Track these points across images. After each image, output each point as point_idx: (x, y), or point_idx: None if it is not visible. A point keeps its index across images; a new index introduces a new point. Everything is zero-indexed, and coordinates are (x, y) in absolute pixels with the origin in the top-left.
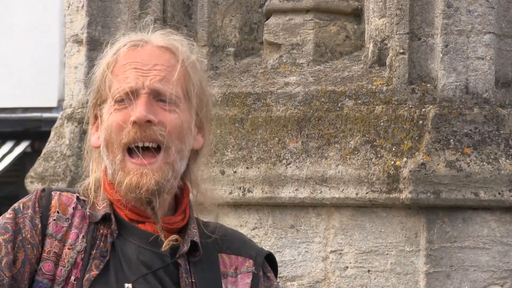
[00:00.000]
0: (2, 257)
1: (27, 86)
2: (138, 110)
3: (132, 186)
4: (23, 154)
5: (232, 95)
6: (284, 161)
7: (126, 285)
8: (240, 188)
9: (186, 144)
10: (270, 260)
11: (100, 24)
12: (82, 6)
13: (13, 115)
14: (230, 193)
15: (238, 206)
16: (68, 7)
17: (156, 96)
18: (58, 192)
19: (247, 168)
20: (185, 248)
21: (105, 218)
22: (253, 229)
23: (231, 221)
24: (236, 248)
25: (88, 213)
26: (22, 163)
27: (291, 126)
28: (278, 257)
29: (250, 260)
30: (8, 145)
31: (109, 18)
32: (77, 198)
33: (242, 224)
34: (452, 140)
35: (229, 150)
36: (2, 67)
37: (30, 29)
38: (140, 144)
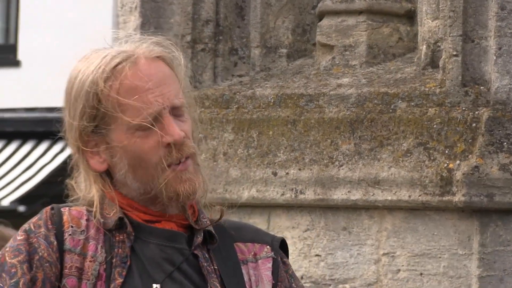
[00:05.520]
0: (19, 278)
1: None
2: (173, 132)
3: (185, 194)
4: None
5: (284, 97)
6: (337, 163)
7: (155, 285)
8: (292, 189)
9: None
10: (283, 246)
11: (153, 25)
12: (136, 7)
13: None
14: (282, 194)
15: (290, 207)
16: (122, 7)
17: (173, 111)
18: (67, 208)
19: (300, 169)
20: (199, 238)
21: (119, 224)
22: (305, 230)
23: (283, 223)
24: (250, 236)
25: (101, 221)
26: None
27: (343, 128)
28: (330, 259)
29: (268, 246)
30: (59, 145)
31: (162, 19)
32: (87, 210)
33: (294, 226)
34: (505, 143)
35: (281, 152)
36: (54, 66)
37: (82, 29)
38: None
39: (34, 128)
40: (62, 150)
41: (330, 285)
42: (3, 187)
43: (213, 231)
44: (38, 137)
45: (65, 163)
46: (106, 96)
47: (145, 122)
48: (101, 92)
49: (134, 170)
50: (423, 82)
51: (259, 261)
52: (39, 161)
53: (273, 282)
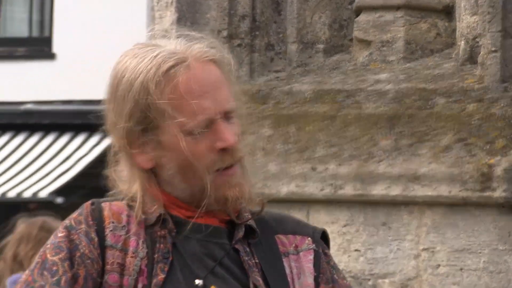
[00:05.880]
0: (60, 276)
1: None
2: (227, 137)
3: (234, 199)
4: (111, 146)
5: (322, 92)
6: (376, 158)
7: (197, 281)
8: (331, 184)
9: None
10: (324, 237)
11: (189, 20)
12: (172, 2)
13: (101, 107)
14: (322, 189)
15: (329, 202)
16: (158, 2)
17: (225, 116)
18: (107, 203)
19: (339, 164)
20: (241, 233)
21: (160, 220)
22: (344, 226)
23: (322, 218)
24: (291, 228)
25: (142, 217)
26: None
27: (382, 124)
28: (370, 254)
29: (309, 238)
30: (96, 137)
31: (199, 14)
32: (127, 205)
33: (334, 221)
34: None
35: (319, 147)
36: (89, 59)
37: (117, 21)
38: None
39: (71, 120)
40: (99, 142)
41: (369, 280)
42: (41, 179)
43: (254, 226)
44: (75, 129)
45: (102, 156)
46: (158, 100)
47: (198, 128)
48: (151, 97)
49: (183, 172)
50: (462, 78)
51: (301, 253)
52: (76, 153)
53: (315, 274)
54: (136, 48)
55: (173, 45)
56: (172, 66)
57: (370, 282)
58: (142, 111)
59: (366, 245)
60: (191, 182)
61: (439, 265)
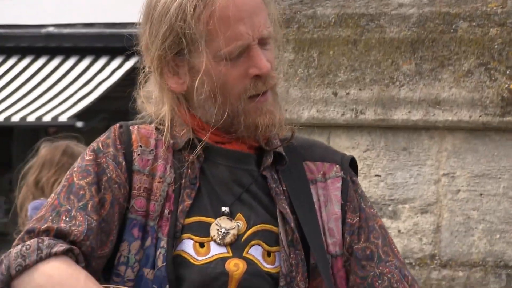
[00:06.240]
0: (87, 201)
1: (138, 1)
2: (261, 64)
3: (264, 127)
4: (132, 70)
5: (345, 16)
6: (398, 83)
7: (223, 208)
8: (352, 109)
9: None
10: (352, 164)
11: None
12: None
13: (123, 30)
14: (343, 114)
15: (350, 127)
16: None
17: (261, 42)
18: (136, 126)
19: (360, 89)
20: (269, 160)
21: (188, 144)
22: (365, 151)
23: (343, 143)
24: (319, 155)
25: (171, 141)
26: (131, 78)
27: (404, 48)
28: (390, 180)
29: (337, 165)
30: (117, 61)
31: None
32: (156, 128)
33: (354, 146)
34: None
35: (341, 72)
36: None
37: None
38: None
39: (92, 43)
40: (120, 66)
41: (389, 205)
42: (61, 103)
43: (283, 152)
44: (96, 53)
45: (122, 80)
46: (194, 24)
47: (234, 53)
48: (188, 21)
49: (215, 97)
50: (485, 2)
51: (328, 180)
52: (97, 76)
53: (342, 202)
54: None
55: None
56: None
57: (390, 208)
58: (177, 34)
59: (386, 170)
60: (222, 107)
61: (459, 190)
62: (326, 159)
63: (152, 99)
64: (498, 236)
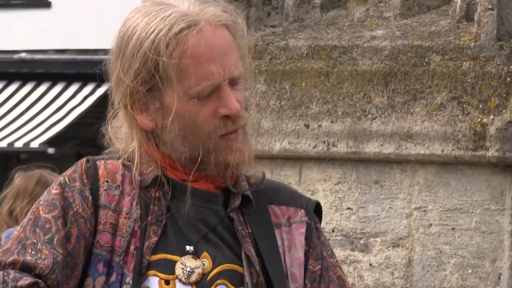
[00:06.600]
0: (53, 235)
1: (111, 28)
2: (231, 105)
3: (234, 164)
4: (104, 96)
5: (317, 48)
6: (370, 116)
7: (188, 247)
8: (324, 142)
9: None
10: (317, 209)
11: None
12: None
13: (95, 57)
14: (314, 147)
15: (322, 160)
16: None
17: (231, 82)
18: (103, 161)
19: (332, 122)
20: (237, 202)
21: (155, 181)
22: (337, 183)
23: (314, 175)
24: (285, 199)
25: (138, 178)
26: (103, 105)
27: (377, 81)
28: (361, 213)
29: (302, 210)
30: (89, 87)
31: None
32: (123, 164)
33: (326, 179)
34: None
35: (314, 104)
36: (84, 8)
37: None
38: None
39: (64, 69)
40: (92, 93)
41: (361, 238)
42: (33, 129)
43: (251, 196)
44: (68, 79)
45: (94, 106)
46: (166, 63)
47: (204, 93)
48: (161, 58)
49: (185, 135)
50: (458, 35)
51: (293, 225)
52: (69, 103)
53: (306, 247)
54: (148, 5)
55: (186, 6)
56: (184, 29)
57: (361, 241)
58: (149, 71)
59: (358, 203)
60: (191, 146)
61: (431, 224)
62: (291, 203)
63: (120, 134)
64: (470, 271)
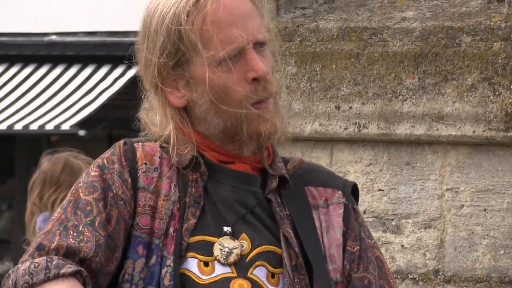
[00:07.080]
0: (95, 217)
1: (140, 9)
2: (257, 67)
3: (267, 134)
4: (134, 78)
5: (348, 30)
6: (401, 97)
7: (225, 228)
8: (355, 123)
9: None
10: (353, 191)
11: None
12: None
13: (125, 39)
14: (345, 128)
15: (353, 141)
16: None
17: (256, 46)
18: (140, 143)
19: (363, 103)
20: (274, 184)
21: (192, 162)
22: (368, 165)
23: (345, 157)
24: (322, 180)
25: (175, 159)
26: (134, 87)
27: (407, 62)
28: (393, 194)
29: (339, 192)
30: (120, 69)
31: None
32: (160, 146)
33: (357, 160)
34: None
35: (344, 85)
36: None
37: None
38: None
39: (95, 52)
40: (122, 74)
41: (392, 220)
42: (63, 111)
43: (287, 177)
44: (98, 61)
45: (125, 88)
46: (188, 31)
47: (229, 57)
48: (183, 27)
49: (216, 105)
50: (489, 16)
51: (330, 206)
52: (100, 85)
53: (344, 229)
54: None
55: None
56: None
57: (393, 222)
58: (174, 43)
59: (389, 185)
60: (224, 116)
61: (462, 206)
62: (328, 184)
63: (154, 119)
64: (502, 251)
